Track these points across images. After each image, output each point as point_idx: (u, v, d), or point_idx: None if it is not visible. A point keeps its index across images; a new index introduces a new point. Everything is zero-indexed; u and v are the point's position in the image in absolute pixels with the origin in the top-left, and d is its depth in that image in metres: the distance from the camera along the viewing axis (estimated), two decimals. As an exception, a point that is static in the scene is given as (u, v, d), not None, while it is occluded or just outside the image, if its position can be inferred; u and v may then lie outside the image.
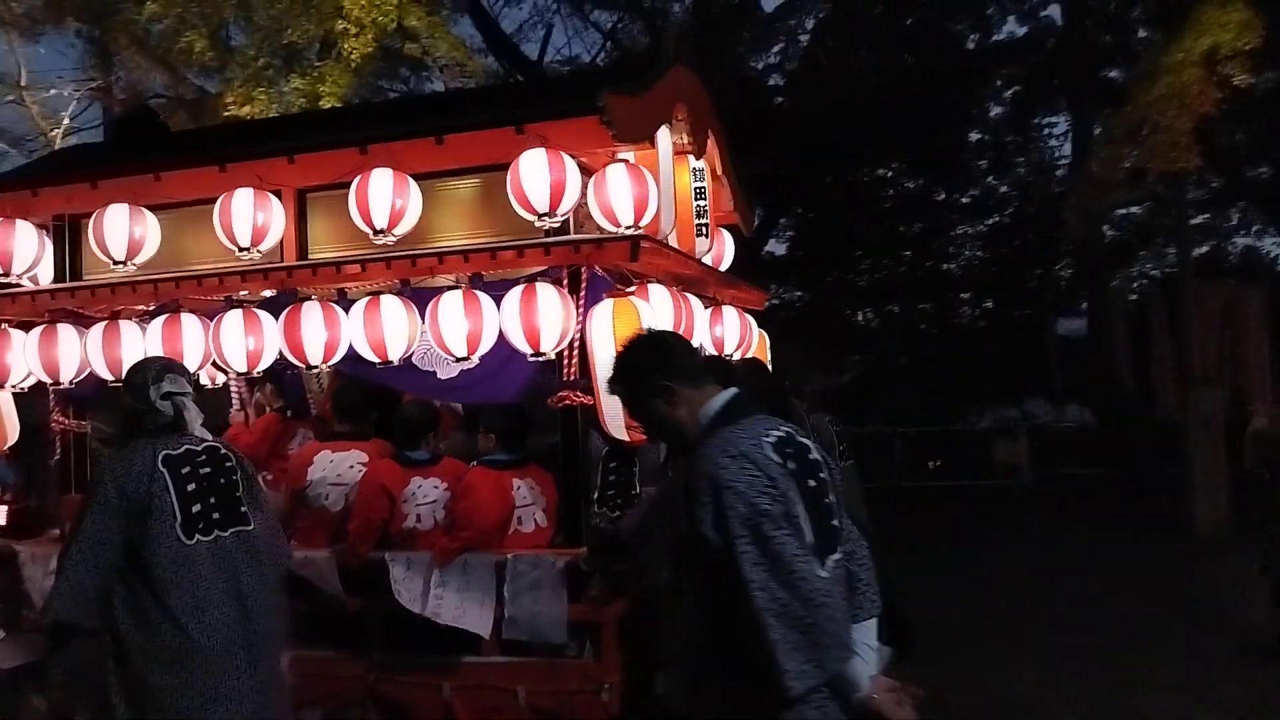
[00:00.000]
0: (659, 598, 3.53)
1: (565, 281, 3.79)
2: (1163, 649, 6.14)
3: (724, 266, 5.44)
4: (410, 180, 3.90)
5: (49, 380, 4.37)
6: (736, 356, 5.01)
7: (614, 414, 3.66)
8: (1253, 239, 20.93)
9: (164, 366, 3.26)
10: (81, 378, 4.39)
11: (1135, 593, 7.71)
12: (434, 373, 4.12)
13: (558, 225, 3.74)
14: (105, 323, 4.24)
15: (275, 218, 4.16)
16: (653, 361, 2.44)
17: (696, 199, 4.61)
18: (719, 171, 4.95)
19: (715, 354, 4.45)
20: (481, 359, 3.96)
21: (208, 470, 3.19)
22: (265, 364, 4.09)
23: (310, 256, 4.33)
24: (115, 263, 4.33)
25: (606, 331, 3.63)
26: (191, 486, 3.14)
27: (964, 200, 20.19)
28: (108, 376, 4.22)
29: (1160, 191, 16.56)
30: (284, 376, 4.72)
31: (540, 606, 3.77)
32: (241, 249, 4.13)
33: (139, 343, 4.17)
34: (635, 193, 3.76)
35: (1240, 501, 9.52)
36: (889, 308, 20.82)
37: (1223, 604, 7.17)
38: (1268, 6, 10.15)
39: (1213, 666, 5.80)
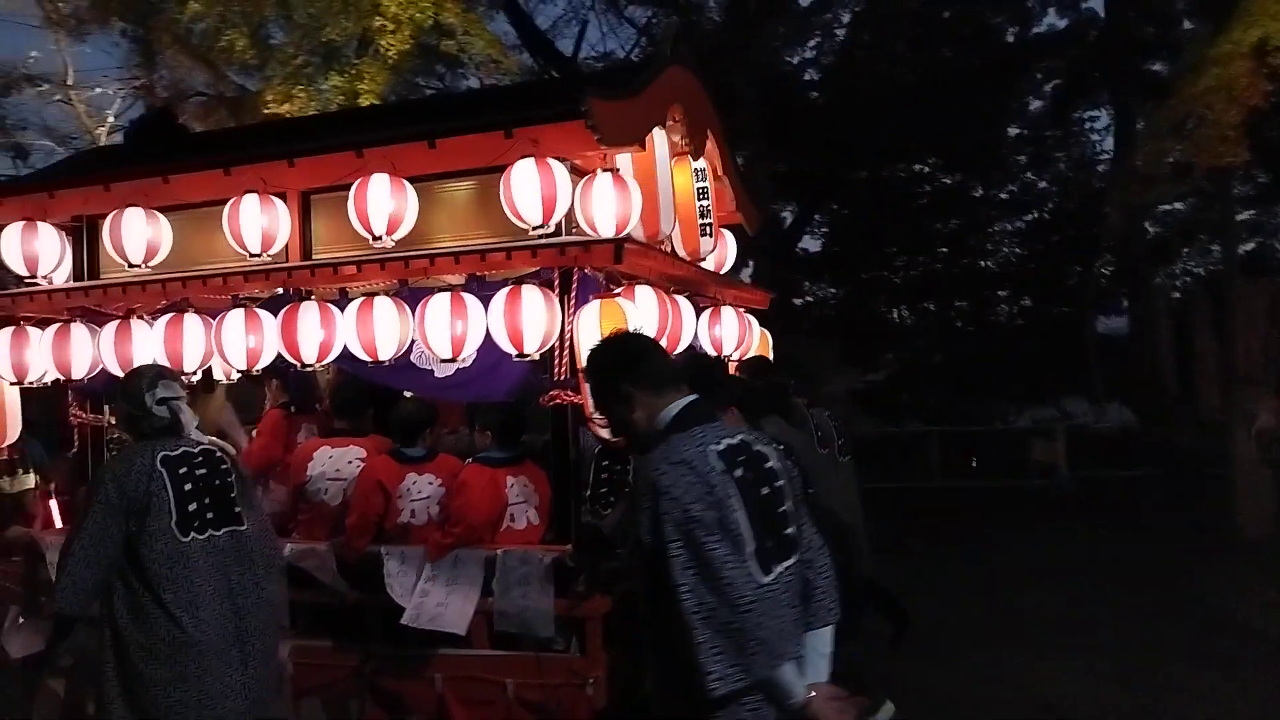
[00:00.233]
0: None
1: (556, 283, 3.85)
2: (1199, 652, 6.03)
3: (726, 267, 5.46)
4: (407, 185, 3.99)
5: (62, 376, 4.52)
6: (736, 356, 5.05)
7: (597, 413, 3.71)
8: (1301, 236, 20.48)
9: (157, 373, 3.41)
10: (94, 374, 4.54)
11: (1174, 595, 7.54)
12: (431, 371, 4.20)
13: (550, 231, 3.79)
14: (118, 321, 4.37)
15: (282, 221, 4.26)
16: (615, 365, 2.51)
17: (699, 199, 4.63)
18: (720, 171, 4.97)
19: (705, 355, 4.47)
20: (476, 358, 4.05)
21: (203, 472, 3.32)
22: (265, 362, 4.20)
23: (314, 256, 4.42)
24: (132, 265, 4.47)
25: (593, 332, 3.67)
26: (188, 486, 3.27)
27: (1002, 196, 19.95)
28: (118, 373, 4.35)
29: (1205, 187, 16.22)
30: (289, 374, 4.83)
31: (529, 601, 3.84)
32: (253, 255, 4.24)
33: (147, 340, 4.30)
34: (619, 206, 3.81)
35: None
36: (924, 305, 20.63)
37: (1266, 608, 7.01)
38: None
39: (1252, 672, 5.71)
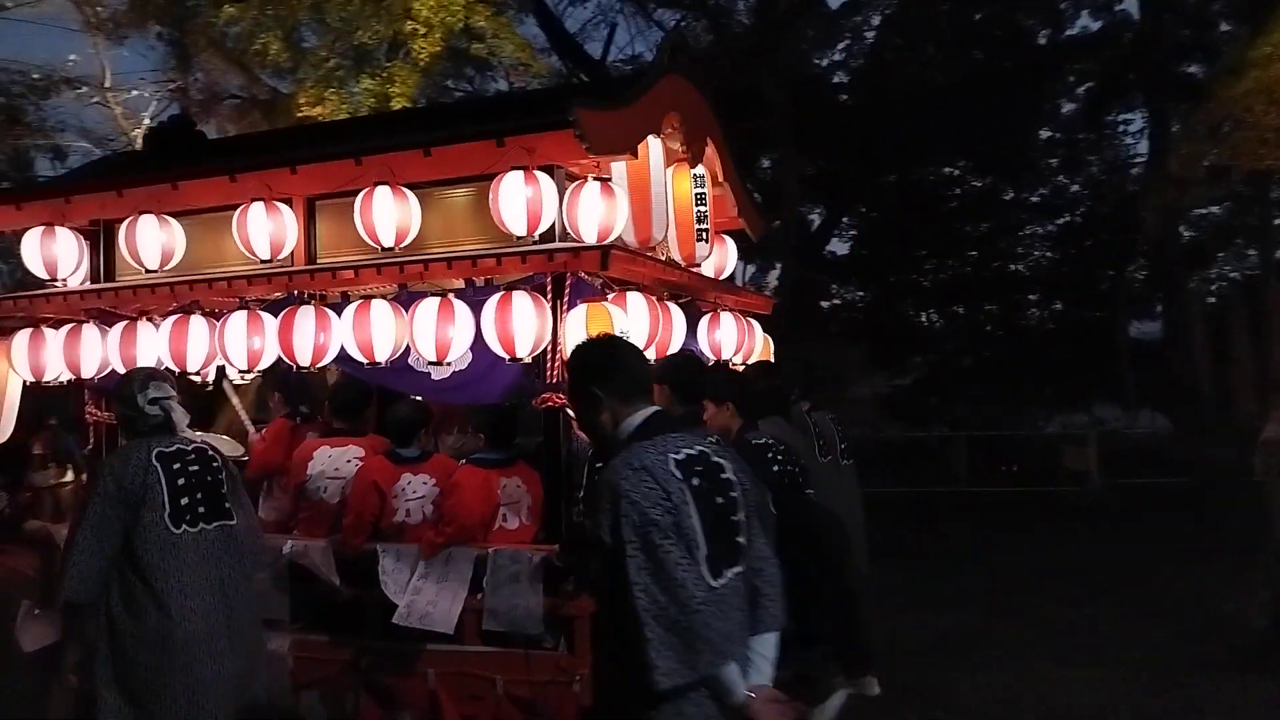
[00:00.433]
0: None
1: (549, 288, 3.93)
2: (1226, 665, 5.97)
3: (726, 272, 5.51)
4: (409, 193, 4.10)
5: (73, 376, 4.67)
6: (738, 360, 5.10)
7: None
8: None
9: (149, 375, 3.60)
10: (104, 374, 4.68)
11: (1203, 607, 7.47)
12: (428, 374, 4.29)
13: (535, 240, 3.88)
14: (125, 323, 4.52)
15: (288, 227, 4.38)
16: (587, 368, 2.61)
17: (697, 205, 4.69)
18: (721, 178, 5.03)
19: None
20: (471, 362, 4.15)
21: (196, 468, 3.49)
22: (266, 363, 4.32)
23: (318, 261, 4.54)
24: (148, 270, 4.62)
25: (579, 336, 3.75)
26: (181, 481, 3.44)
27: (1033, 199, 19.73)
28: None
29: (1242, 190, 16.03)
30: (291, 382, 4.95)
31: (518, 599, 3.92)
32: (263, 261, 4.38)
33: (153, 341, 4.44)
34: (604, 214, 3.88)
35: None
36: (953, 309, 20.45)
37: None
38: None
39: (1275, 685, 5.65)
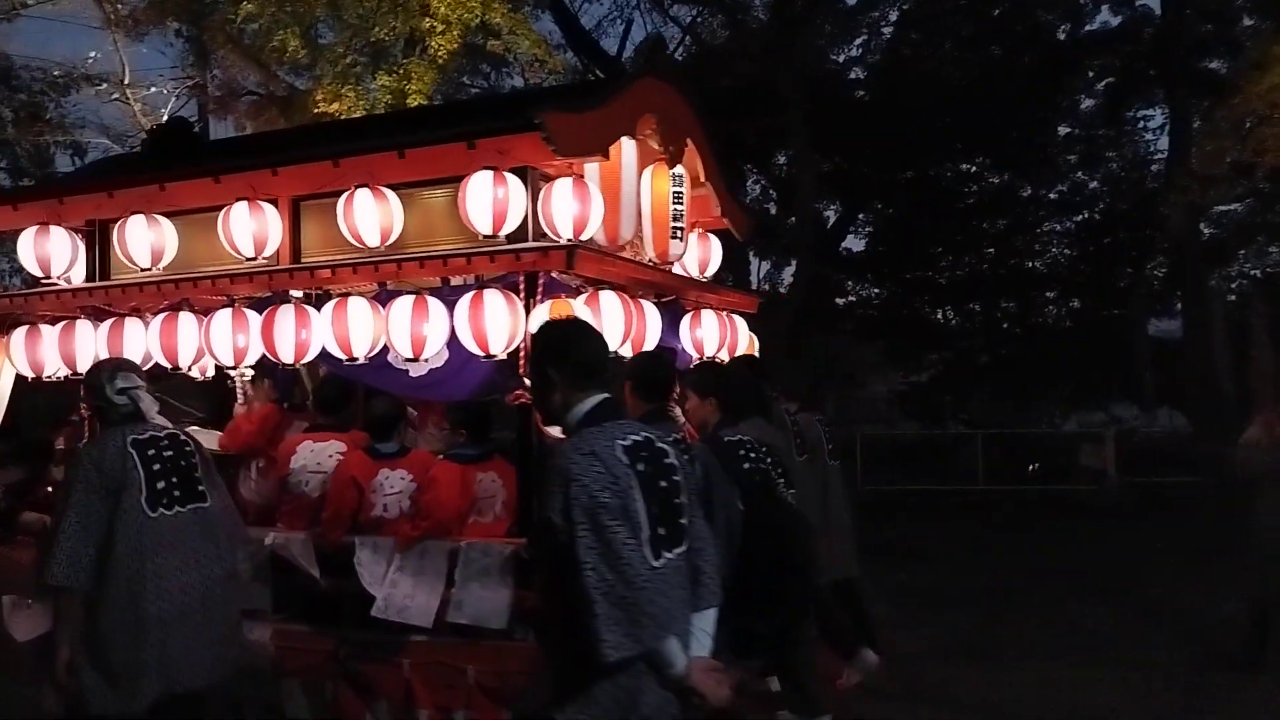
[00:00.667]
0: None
1: (522, 287, 4.01)
2: (1233, 667, 5.95)
3: (712, 269, 5.56)
4: (390, 194, 4.20)
5: (69, 371, 4.80)
6: (723, 357, 5.15)
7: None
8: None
9: (116, 366, 3.72)
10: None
11: (1224, 608, 7.25)
12: (406, 371, 4.39)
13: (502, 241, 3.95)
14: (113, 320, 4.64)
15: (272, 226, 4.50)
16: (545, 350, 2.69)
17: (674, 204, 4.74)
18: (703, 178, 5.08)
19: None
20: (448, 359, 4.24)
21: (170, 453, 3.61)
22: (251, 359, 4.42)
23: (303, 260, 4.64)
24: (141, 268, 4.74)
25: (542, 329, 3.82)
26: (156, 466, 3.56)
27: (1051, 196, 19.57)
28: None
29: (1264, 187, 15.84)
30: (277, 371, 5.06)
31: (486, 592, 4.01)
32: (247, 258, 4.48)
33: (143, 338, 4.56)
34: (578, 210, 3.96)
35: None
36: (970, 306, 20.34)
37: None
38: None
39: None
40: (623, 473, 2.42)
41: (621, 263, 4.29)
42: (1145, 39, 17.89)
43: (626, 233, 4.38)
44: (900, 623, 7.09)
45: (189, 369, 4.68)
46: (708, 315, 5.02)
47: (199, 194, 4.58)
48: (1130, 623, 7.15)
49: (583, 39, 17.97)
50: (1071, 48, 18.46)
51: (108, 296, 4.77)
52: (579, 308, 3.90)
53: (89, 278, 5.15)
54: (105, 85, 15.18)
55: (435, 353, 4.17)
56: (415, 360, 4.09)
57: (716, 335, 5.03)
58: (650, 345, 4.38)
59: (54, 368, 4.95)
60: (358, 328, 4.07)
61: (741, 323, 5.44)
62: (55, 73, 14.90)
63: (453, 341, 4.09)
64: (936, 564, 9.66)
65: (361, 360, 4.15)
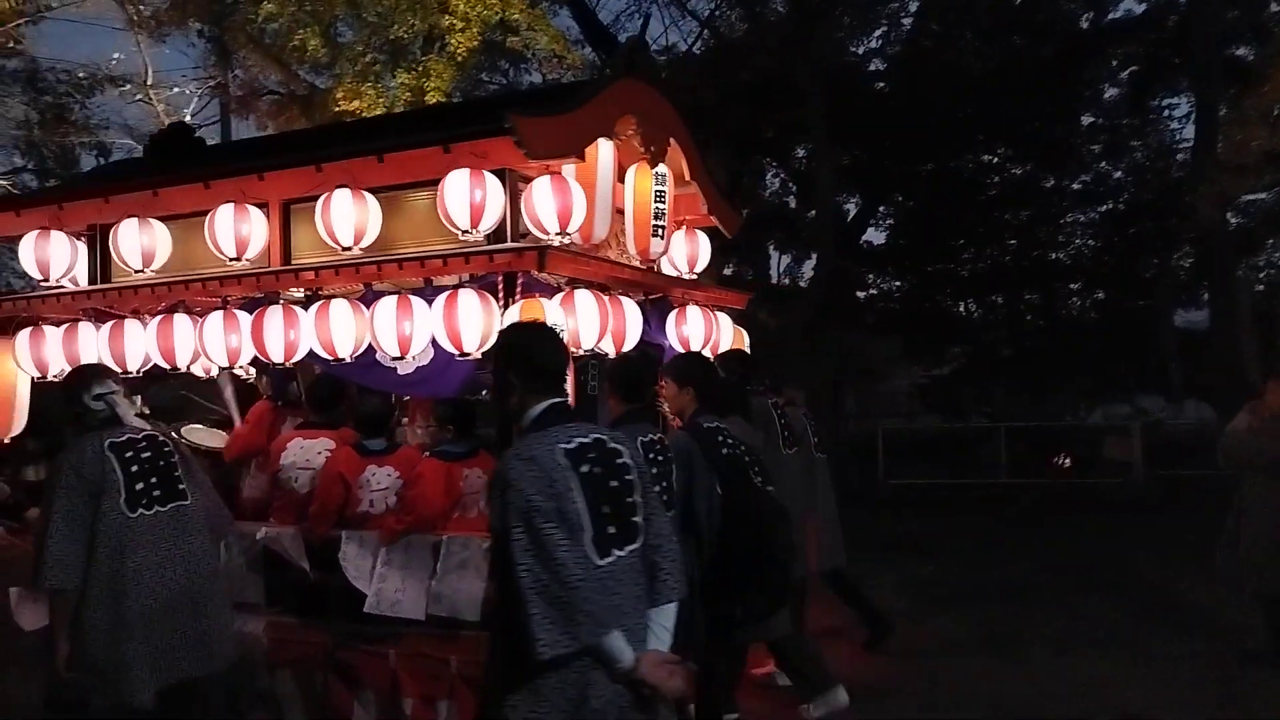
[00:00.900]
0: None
1: (501, 287, 4.08)
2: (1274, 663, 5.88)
3: (700, 266, 5.60)
4: (369, 196, 4.29)
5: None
6: (706, 353, 5.19)
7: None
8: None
9: (92, 374, 3.86)
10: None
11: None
12: (394, 369, 4.48)
13: (481, 239, 4.03)
14: (113, 322, 4.78)
15: (256, 229, 4.61)
16: (504, 354, 2.77)
17: (656, 202, 4.80)
18: (688, 176, 5.12)
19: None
20: (433, 357, 4.32)
21: (148, 455, 3.73)
22: (244, 359, 4.54)
23: (293, 262, 4.75)
24: (135, 270, 4.87)
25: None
26: (135, 468, 3.68)
27: (1074, 187, 19.35)
28: (115, 369, 4.74)
29: (1293, 176, 15.59)
30: (271, 370, 5.17)
31: (462, 584, 4.11)
32: (230, 259, 4.59)
33: (141, 339, 4.69)
34: (559, 204, 4.03)
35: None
36: (992, 298, 20.17)
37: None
38: None
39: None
40: (561, 476, 2.48)
41: (596, 262, 4.36)
42: (1170, 26, 17.64)
43: (600, 232, 4.45)
44: (922, 617, 7.13)
45: (187, 369, 4.80)
46: (693, 311, 5.07)
47: (192, 199, 4.70)
48: (1156, 616, 7.10)
49: (601, 34, 17.99)
50: (1094, 36, 18.23)
51: (106, 299, 4.90)
52: (552, 307, 3.97)
53: (91, 281, 5.29)
54: (129, 86, 15.43)
55: (421, 351, 4.25)
56: (399, 358, 4.17)
57: (702, 331, 5.08)
58: (631, 342, 4.44)
59: (58, 368, 5.08)
60: (340, 329, 4.17)
61: (726, 319, 5.48)
62: (80, 74, 15.16)
63: (437, 340, 4.18)
64: (957, 558, 9.64)
65: (348, 360, 4.24)
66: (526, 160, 4.04)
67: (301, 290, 4.54)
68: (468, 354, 4.00)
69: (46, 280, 5.11)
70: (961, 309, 20.54)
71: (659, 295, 5.06)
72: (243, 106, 15.09)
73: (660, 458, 3.80)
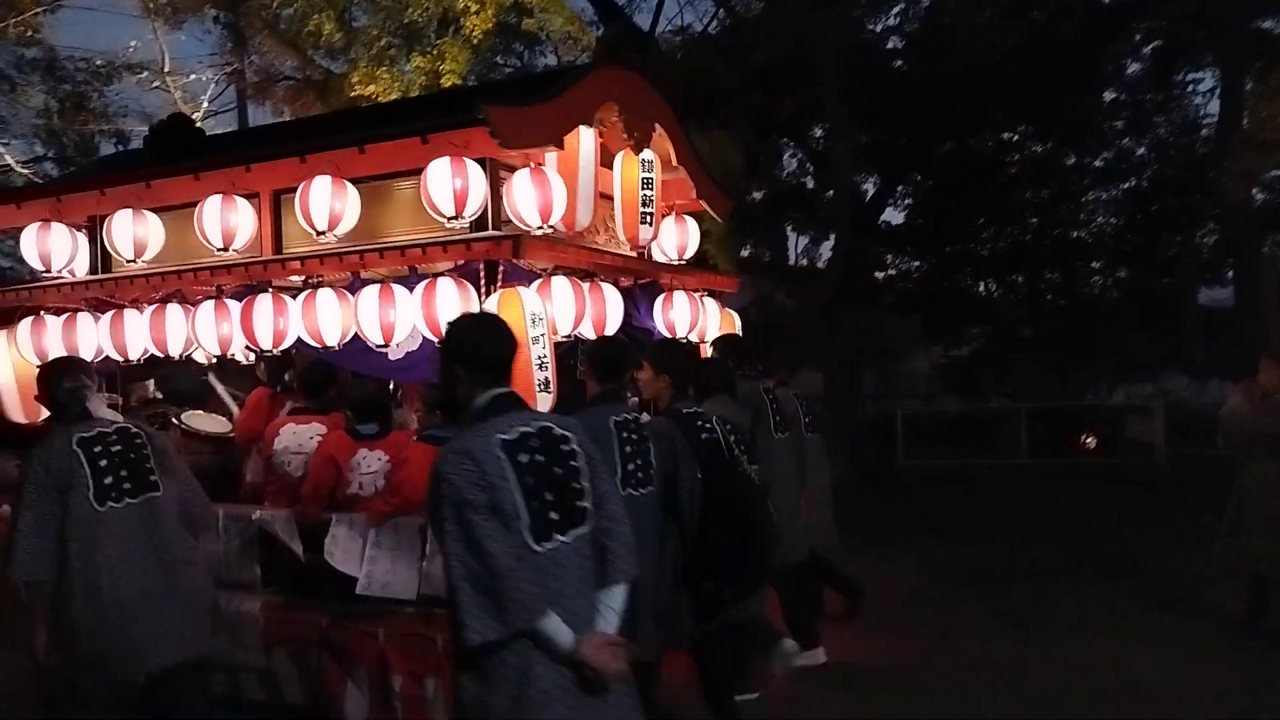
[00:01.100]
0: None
1: (482, 275, 4.12)
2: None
3: (690, 252, 5.62)
4: (349, 185, 4.34)
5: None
6: (693, 337, 5.23)
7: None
8: None
9: (64, 367, 3.89)
10: (100, 358, 5.04)
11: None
12: (385, 355, 4.55)
13: (466, 225, 4.07)
14: (113, 311, 4.86)
15: (244, 220, 4.68)
16: (451, 346, 2.79)
17: (643, 189, 4.81)
18: (675, 161, 5.13)
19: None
20: (422, 343, 4.38)
21: (118, 448, 3.75)
22: (236, 347, 4.62)
23: (284, 251, 4.81)
24: (128, 260, 4.95)
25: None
26: (103, 462, 3.71)
27: (1096, 164, 19.09)
28: (116, 357, 4.86)
29: (1322, 151, 15.31)
30: (266, 357, 5.24)
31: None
32: (218, 249, 4.67)
33: (137, 328, 4.78)
34: (540, 198, 4.07)
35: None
36: (1013, 278, 19.99)
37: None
38: None
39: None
40: (495, 467, 2.52)
41: (575, 249, 4.38)
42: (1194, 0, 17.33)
43: (583, 219, 4.48)
44: (942, 598, 7.13)
45: (180, 356, 4.89)
46: (679, 297, 5.09)
47: (185, 190, 4.77)
48: (1176, 597, 7.06)
49: (615, 14, 17.92)
50: (1116, 10, 17.92)
51: (104, 289, 4.99)
52: (529, 294, 4.00)
53: (92, 271, 5.39)
54: (146, 74, 15.53)
55: (406, 337, 4.31)
56: (383, 345, 4.23)
57: (688, 316, 5.10)
58: (613, 327, 4.47)
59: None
60: (326, 317, 4.23)
61: (714, 304, 5.50)
62: (98, 62, 15.30)
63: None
64: (977, 539, 9.63)
65: (336, 347, 4.31)
66: (499, 150, 4.08)
67: (299, 279, 4.61)
68: (445, 341, 4.05)
69: (48, 271, 5.21)
70: (981, 289, 20.39)
71: (648, 281, 5.08)
72: (259, 92, 15.16)
73: (635, 435, 3.84)
